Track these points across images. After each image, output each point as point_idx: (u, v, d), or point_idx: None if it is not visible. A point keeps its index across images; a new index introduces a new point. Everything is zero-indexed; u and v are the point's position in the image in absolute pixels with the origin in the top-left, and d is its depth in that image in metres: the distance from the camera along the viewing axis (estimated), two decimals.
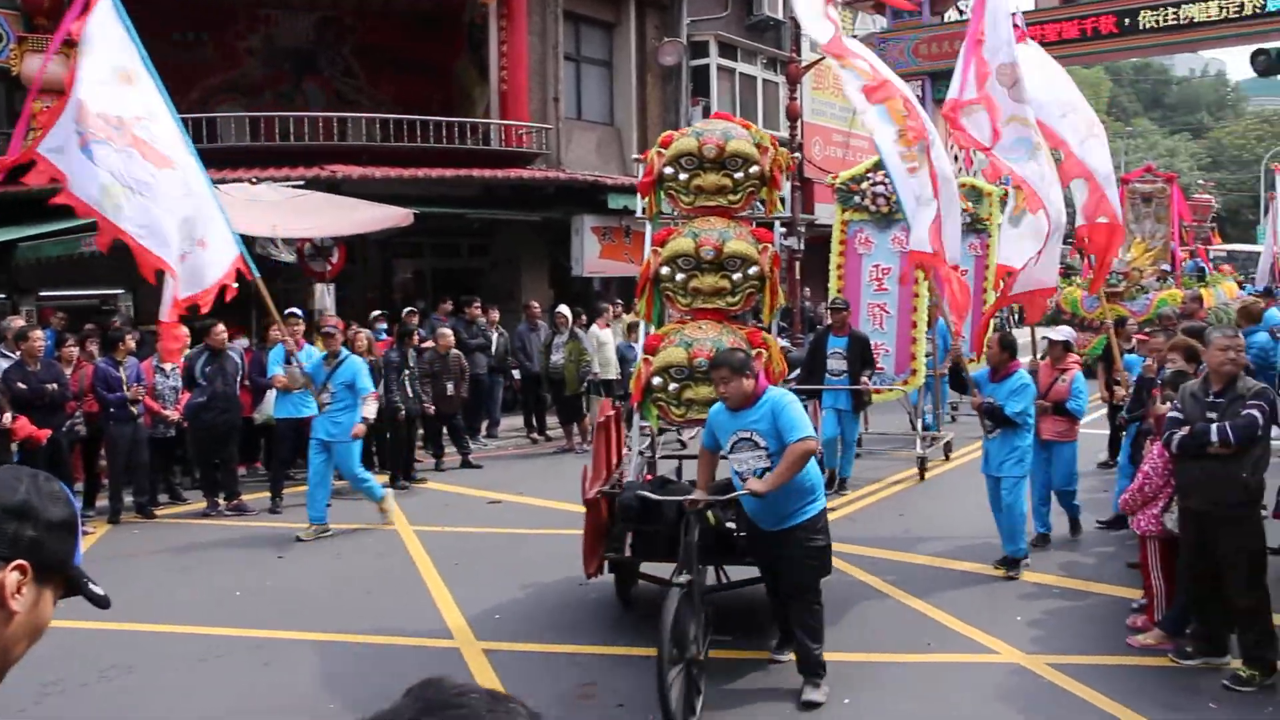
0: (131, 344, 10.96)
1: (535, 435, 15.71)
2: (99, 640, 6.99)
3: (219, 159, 16.81)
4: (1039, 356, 9.66)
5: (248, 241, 14.32)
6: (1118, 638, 6.98)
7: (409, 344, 12.77)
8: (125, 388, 10.66)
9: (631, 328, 14.07)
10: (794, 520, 6.01)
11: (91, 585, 1.92)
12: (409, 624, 7.46)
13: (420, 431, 13.43)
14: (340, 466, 10.28)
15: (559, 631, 7.22)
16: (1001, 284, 10.81)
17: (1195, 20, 21.17)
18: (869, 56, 8.41)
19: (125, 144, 7.86)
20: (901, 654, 6.85)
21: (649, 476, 7.80)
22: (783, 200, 7.71)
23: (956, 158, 24.30)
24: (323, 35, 20.91)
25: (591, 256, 18.52)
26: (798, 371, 11.86)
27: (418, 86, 20.68)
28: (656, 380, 7.13)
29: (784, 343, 17.82)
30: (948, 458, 13.28)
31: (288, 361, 10.67)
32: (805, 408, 7.30)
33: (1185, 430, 6.25)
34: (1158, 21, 21.40)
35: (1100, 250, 9.43)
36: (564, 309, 15.38)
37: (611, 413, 7.91)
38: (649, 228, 7.67)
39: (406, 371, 12.53)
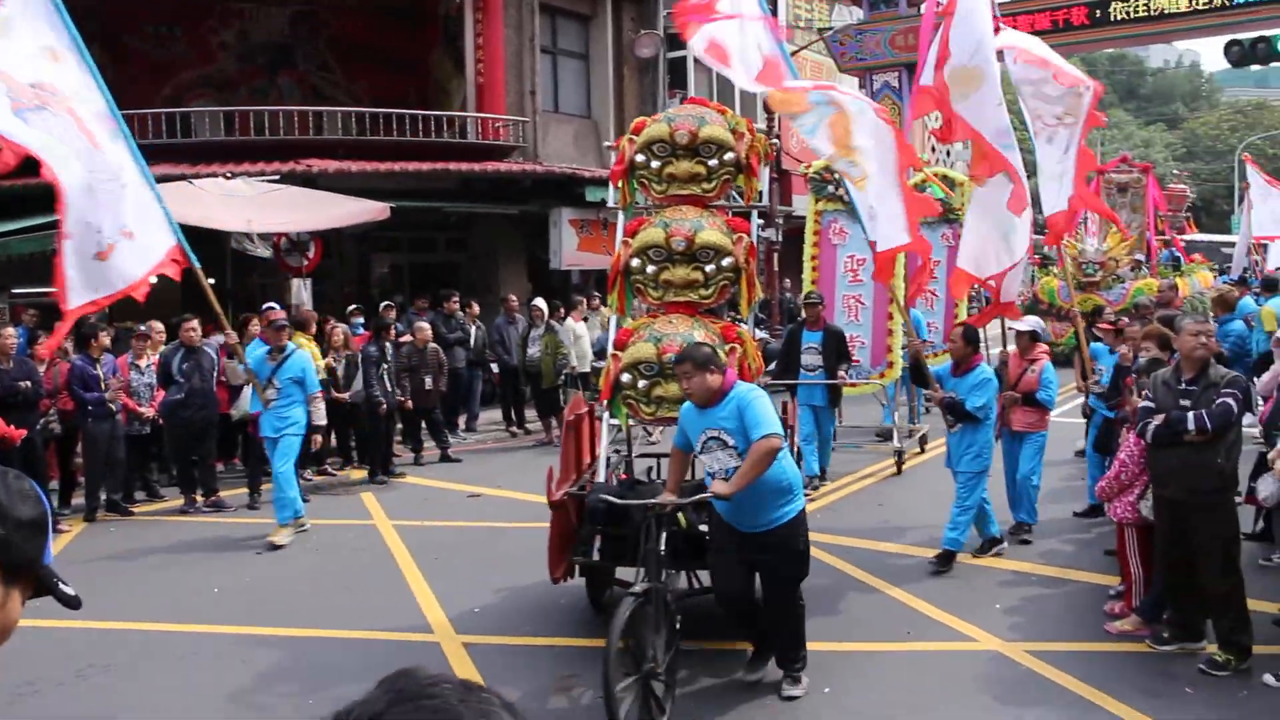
0: (105, 340, 10.87)
1: (514, 429, 15.69)
2: (75, 639, 6.94)
3: (194, 154, 16.74)
4: (1005, 347, 9.52)
5: (224, 237, 14.38)
6: (1095, 624, 7.03)
7: (386, 338, 12.72)
8: (102, 385, 10.58)
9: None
10: (774, 523, 5.78)
11: (62, 585, 1.90)
12: (388, 619, 7.44)
13: (399, 426, 13.40)
14: (273, 460, 9.85)
15: (539, 625, 7.21)
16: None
17: (1166, 12, 21.31)
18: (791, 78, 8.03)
19: (62, 110, 7.68)
20: (881, 643, 6.88)
21: (625, 476, 7.66)
22: (761, 193, 7.37)
23: (934, 148, 24.39)
24: (297, 29, 20.79)
25: (569, 249, 18.48)
26: (773, 365, 11.87)
27: (393, 80, 20.60)
28: (625, 377, 6.82)
29: (763, 335, 17.92)
30: (923, 450, 13.31)
31: (230, 356, 10.35)
32: (784, 405, 7.27)
33: (1159, 419, 6.29)
34: (1129, 13, 21.53)
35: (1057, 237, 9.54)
36: (540, 302, 15.36)
37: (583, 410, 7.55)
38: (621, 218, 7.38)
39: (384, 366, 12.48)
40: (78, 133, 7.81)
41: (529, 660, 6.64)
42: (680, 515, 6.00)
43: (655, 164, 7.08)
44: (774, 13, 18.31)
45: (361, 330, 14.07)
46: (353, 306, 15.37)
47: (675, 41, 23.19)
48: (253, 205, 13.77)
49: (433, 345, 13.49)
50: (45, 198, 8.15)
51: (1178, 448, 6.23)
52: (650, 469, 8.13)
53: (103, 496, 10.85)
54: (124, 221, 8.15)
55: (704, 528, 6.23)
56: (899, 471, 11.98)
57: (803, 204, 17.46)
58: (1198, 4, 20.59)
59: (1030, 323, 9.54)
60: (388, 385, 12.46)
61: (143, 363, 11.33)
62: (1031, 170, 9.75)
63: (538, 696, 6.01)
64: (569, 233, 18.46)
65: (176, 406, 10.94)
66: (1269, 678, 5.95)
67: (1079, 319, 10.67)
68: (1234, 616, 6.22)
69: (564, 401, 14.49)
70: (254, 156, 16.51)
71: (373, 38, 20.75)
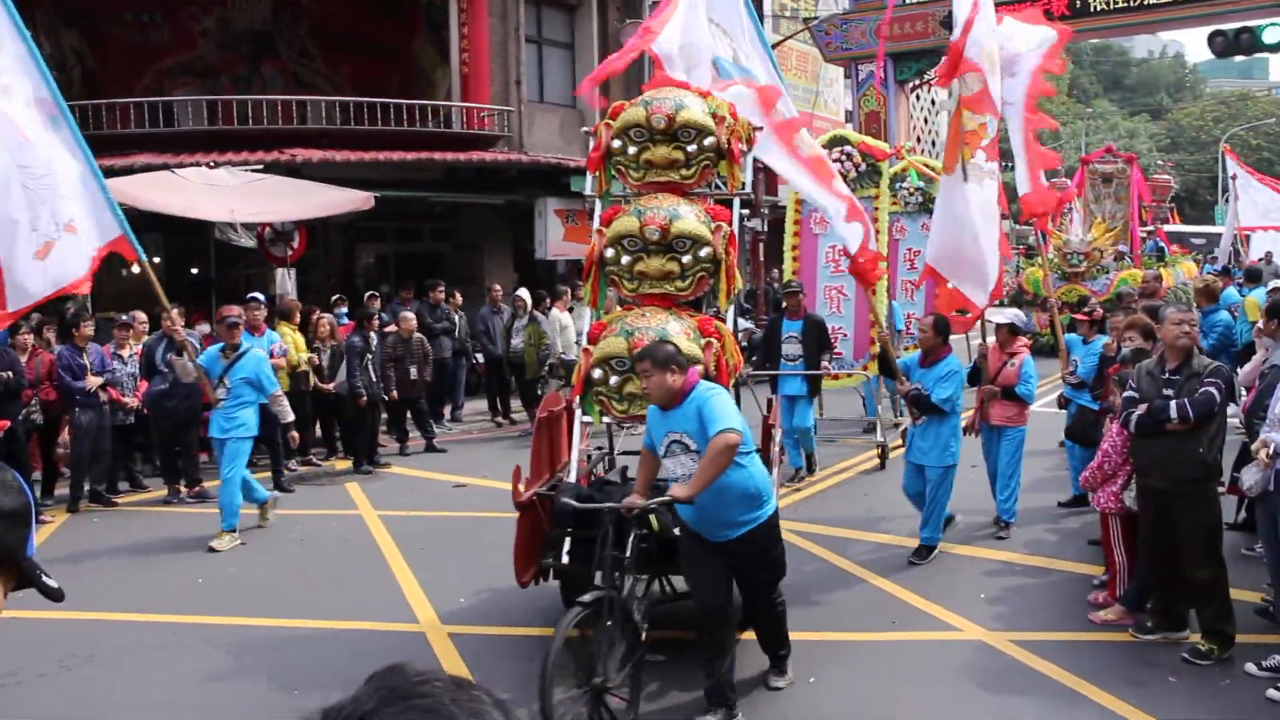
0: (87, 330, 10.79)
1: (499, 419, 15.67)
2: (58, 630, 6.90)
3: (176, 143, 16.65)
4: (984, 340, 9.36)
5: (207, 227, 14.31)
6: (1079, 614, 7.05)
7: (369, 328, 12.67)
8: (89, 374, 10.51)
9: None
10: (742, 529, 5.46)
11: (45, 577, 1.89)
12: (374, 609, 7.42)
13: (384, 416, 13.36)
14: (221, 465, 9.45)
15: (525, 615, 7.20)
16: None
17: (1148, 3, 21.39)
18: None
19: None
20: (866, 633, 6.89)
21: (603, 474, 7.44)
22: (744, 182, 7.07)
23: (919, 139, 24.43)
24: (279, 17, 20.68)
25: (555, 239, 18.45)
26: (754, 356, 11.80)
27: (377, 69, 20.53)
28: (597, 373, 6.48)
29: (748, 325, 17.91)
30: (904, 441, 13.27)
31: (179, 353, 9.99)
32: (769, 403, 7.14)
33: (1142, 408, 6.32)
34: (1110, 3, 21.60)
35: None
36: (523, 293, 15.34)
37: (557, 407, 7.14)
38: (598, 206, 7.05)
39: (368, 356, 12.44)
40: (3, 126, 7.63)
41: (515, 651, 6.62)
42: (652, 518, 5.79)
43: (632, 150, 6.73)
44: (759, 2, 18.28)
45: (346, 320, 14.02)
46: (336, 296, 15.31)
47: None
48: (236, 195, 13.70)
49: (418, 335, 13.45)
50: None
51: (1160, 437, 6.26)
52: (625, 469, 7.80)
53: (86, 487, 10.79)
54: (65, 216, 8.02)
55: (679, 531, 5.89)
56: (882, 466, 11.83)
57: (787, 194, 17.44)
58: None
59: (1009, 315, 9.39)
60: (372, 376, 12.43)
61: (125, 353, 11.27)
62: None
63: (524, 688, 5.99)
64: (554, 223, 18.43)
65: (160, 397, 10.89)
66: (1251, 666, 5.98)
67: (1054, 310, 10.70)
68: (1217, 606, 6.25)
69: (543, 392, 14.46)
70: (237, 146, 16.43)
71: (355, 26, 20.66)
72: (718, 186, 7.17)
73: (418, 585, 7.94)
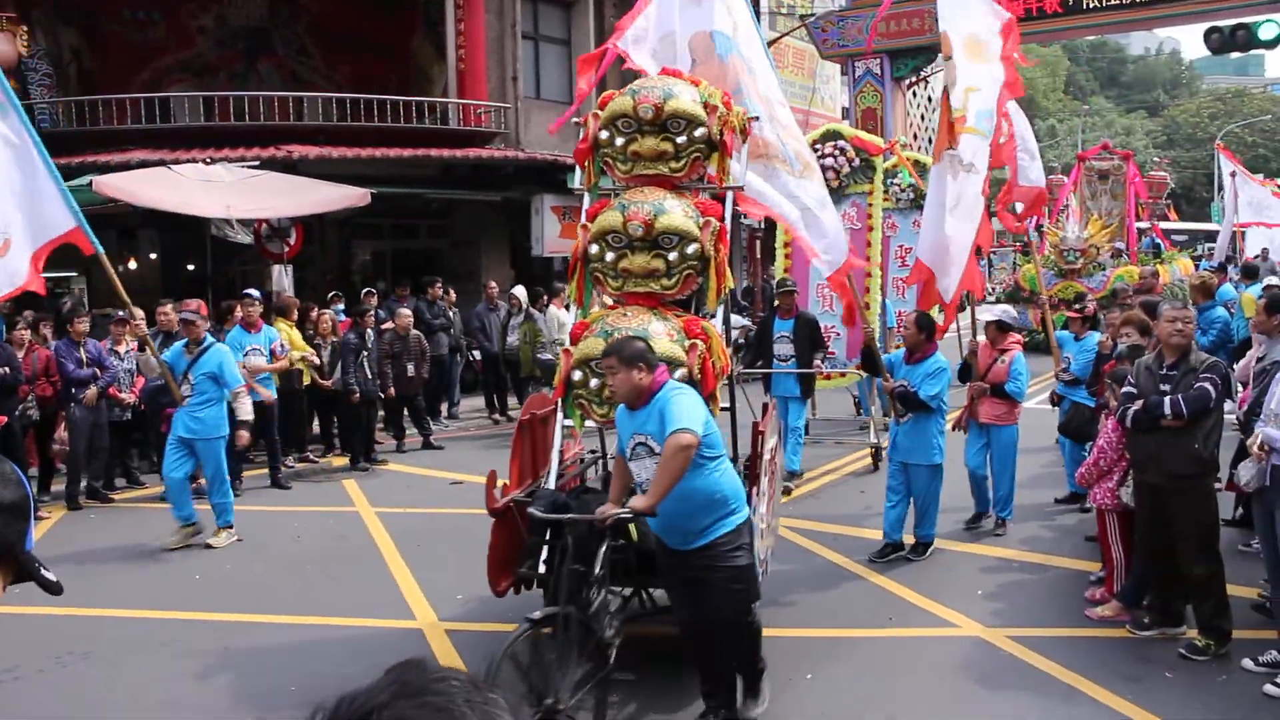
0: (81, 326, 10.77)
1: (496, 416, 15.67)
2: (56, 626, 6.91)
3: (173, 139, 16.64)
4: (975, 336, 9.29)
5: (203, 223, 14.30)
6: (1076, 610, 7.07)
7: (364, 324, 12.67)
8: (84, 365, 10.51)
9: None
10: (705, 537, 5.15)
11: (43, 570, 1.89)
12: (371, 606, 7.42)
13: (381, 413, 13.36)
14: (205, 468, 9.32)
15: (521, 612, 7.14)
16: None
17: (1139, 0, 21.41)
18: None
19: None
20: (863, 629, 6.89)
21: (594, 477, 7.25)
22: (738, 175, 6.68)
23: (916, 136, 24.44)
24: (276, 14, 20.66)
25: (552, 236, 18.42)
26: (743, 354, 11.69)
27: (374, 66, 20.49)
28: (577, 375, 6.11)
29: (745, 323, 17.87)
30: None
31: (141, 349, 9.87)
32: (764, 407, 6.94)
33: (1138, 404, 6.33)
34: (1101, 1, 21.60)
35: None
36: (519, 290, 15.33)
37: (540, 410, 6.87)
38: (586, 200, 6.68)
39: (365, 353, 12.44)
40: None
41: None
42: (631, 528, 5.51)
43: (620, 141, 6.36)
44: (756, 0, 18.29)
45: (343, 317, 14.03)
46: (333, 293, 15.31)
47: None
48: (232, 191, 13.69)
49: (415, 332, 13.45)
50: None
51: (1156, 433, 6.27)
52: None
53: (83, 483, 10.78)
54: (13, 214, 7.95)
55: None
56: (875, 467, 11.54)
57: None
58: None
59: (997, 312, 9.31)
60: (367, 373, 12.43)
61: (122, 348, 11.26)
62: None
63: None
64: (551, 219, 18.41)
65: (157, 392, 10.86)
66: (1248, 662, 6.00)
67: (1046, 307, 10.69)
68: (1214, 602, 6.27)
69: (532, 390, 14.40)
70: (234, 142, 16.42)
71: (352, 23, 20.62)
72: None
73: (415, 583, 7.94)
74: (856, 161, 13.44)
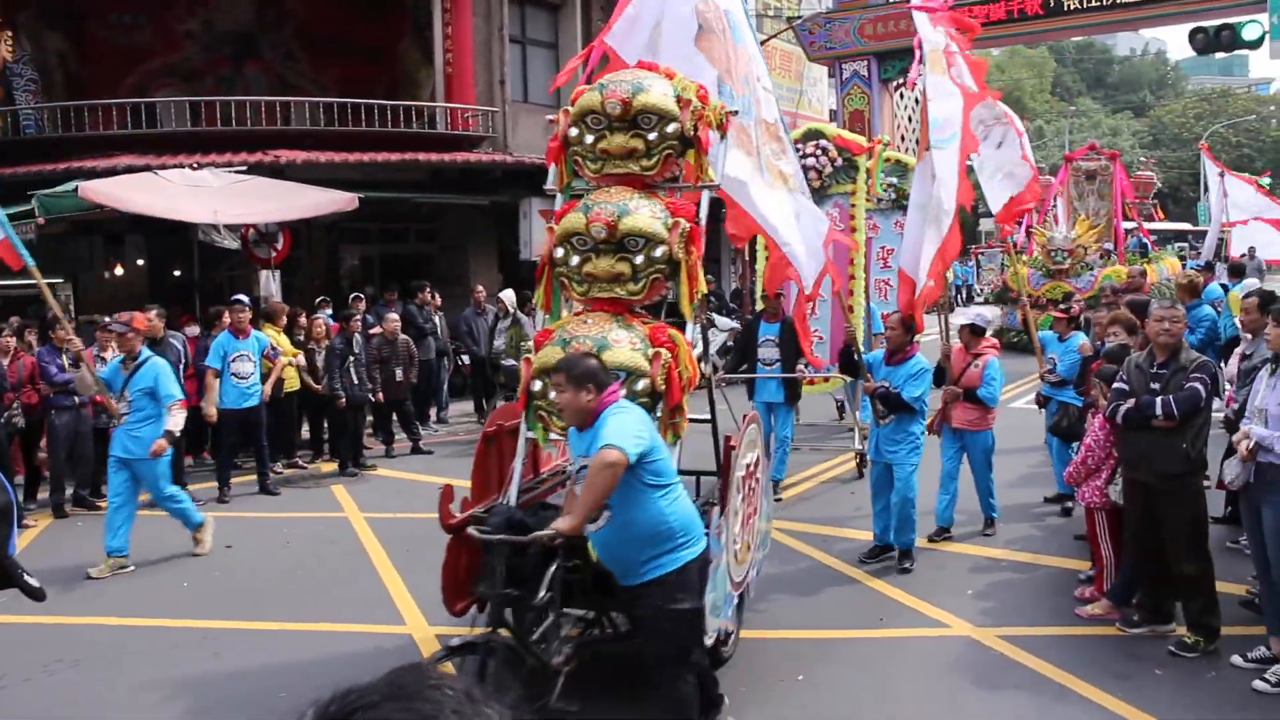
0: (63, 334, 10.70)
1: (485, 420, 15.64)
2: (43, 634, 6.88)
3: (159, 144, 16.59)
4: (947, 340, 9.06)
5: (190, 228, 14.25)
6: (1066, 609, 7.08)
7: (351, 329, 12.64)
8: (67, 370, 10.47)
9: None
10: (648, 573, 4.77)
11: (26, 577, 1.88)
12: (361, 612, 7.40)
13: (369, 418, 13.33)
14: (147, 488, 8.96)
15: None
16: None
17: (1120, 1, 21.45)
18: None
19: None
20: (854, 630, 6.89)
21: (564, 489, 6.66)
22: (713, 173, 6.34)
23: (903, 137, 24.47)
24: (264, 18, 20.60)
25: (540, 240, 18.17)
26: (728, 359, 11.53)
27: (361, 70, 20.45)
28: (536, 385, 5.77)
29: (733, 324, 17.87)
30: None
31: (76, 365, 9.61)
32: (745, 417, 6.70)
33: (1130, 402, 6.35)
34: (1083, 2, 21.65)
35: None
36: (507, 294, 15.30)
37: (506, 422, 6.56)
38: (558, 200, 6.31)
39: (351, 358, 12.41)
40: None
41: None
42: (590, 548, 5.08)
43: (589, 138, 6.02)
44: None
45: (332, 322, 14.00)
46: (321, 298, 15.27)
47: None
48: (219, 196, 13.64)
49: (403, 337, 13.43)
50: None
51: (1146, 432, 6.29)
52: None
53: (69, 491, 10.73)
54: None
55: None
56: (860, 474, 11.18)
57: None
58: None
59: (969, 315, 9.16)
60: (354, 378, 12.40)
61: (108, 355, 11.19)
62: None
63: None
64: (539, 223, 18.31)
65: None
66: (1237, 658, 6.02)
67: (1027, 308, 10.69)
68: (1203, 599, 6.29)
69: (500, 398, 14.23)
70: (220, 147, 16.38)
71: (340, 27, 20.58)
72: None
73: (404, 588, 7.91)
74: (839, 161, 13.33)
